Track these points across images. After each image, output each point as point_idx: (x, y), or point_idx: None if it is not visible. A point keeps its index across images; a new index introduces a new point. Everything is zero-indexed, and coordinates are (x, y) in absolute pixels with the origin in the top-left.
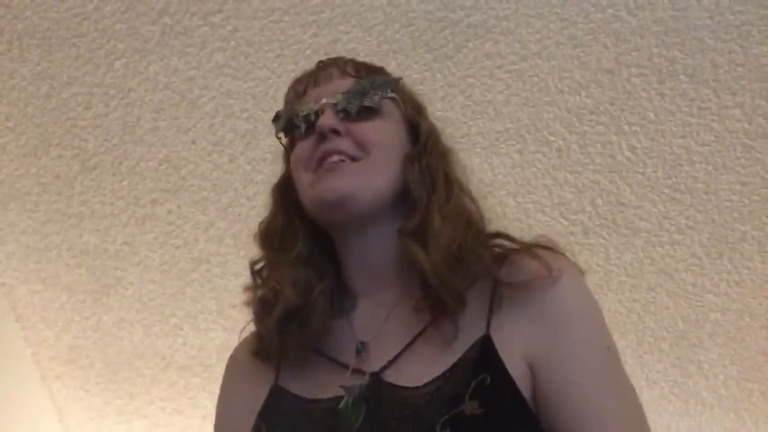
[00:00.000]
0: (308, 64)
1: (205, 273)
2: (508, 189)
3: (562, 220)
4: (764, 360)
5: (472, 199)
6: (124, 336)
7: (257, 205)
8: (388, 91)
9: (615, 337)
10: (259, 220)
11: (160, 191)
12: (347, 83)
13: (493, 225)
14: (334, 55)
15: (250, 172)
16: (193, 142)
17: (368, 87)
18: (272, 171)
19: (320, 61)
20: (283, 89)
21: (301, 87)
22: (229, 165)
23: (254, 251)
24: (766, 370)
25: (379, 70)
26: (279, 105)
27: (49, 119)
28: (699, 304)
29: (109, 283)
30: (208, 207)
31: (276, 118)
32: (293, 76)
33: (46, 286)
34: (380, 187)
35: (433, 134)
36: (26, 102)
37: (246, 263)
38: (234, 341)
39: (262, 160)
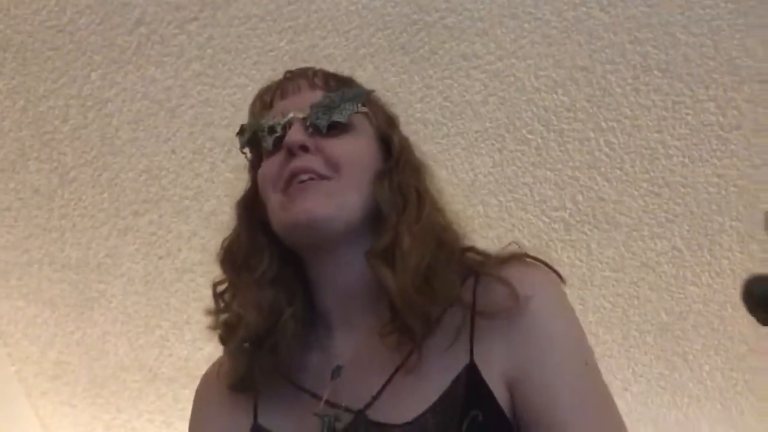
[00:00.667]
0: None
1: (189, 283)
2: (490, 188)
3: (543, 218)
4: (747, 350)
5: (445, 216)
6: (109, 349)
7: None
8: (359, 105)
9: (601, 332)
10: None
11: (142, 202)
12: (316, 96)
13: (476, 224)
14: (312, 61)
15: (232, 179)
16: (173, 152)
17: (338, 100)
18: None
19: (288, 72)
20: None
21: (267, 98)
22: (210, 173)
23: None
24: (749, 360)
25: (349, 82)
26: None
27: (26, 133)
28: (681, 296)
29: (93, 296)
30: (190, 216)
31: (241, 132)
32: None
33: (29, 302)
34: (352, 209)
35: (406, 148)
36: (2, 116)
37: None
38: (221, 351)
39: (244, 168)
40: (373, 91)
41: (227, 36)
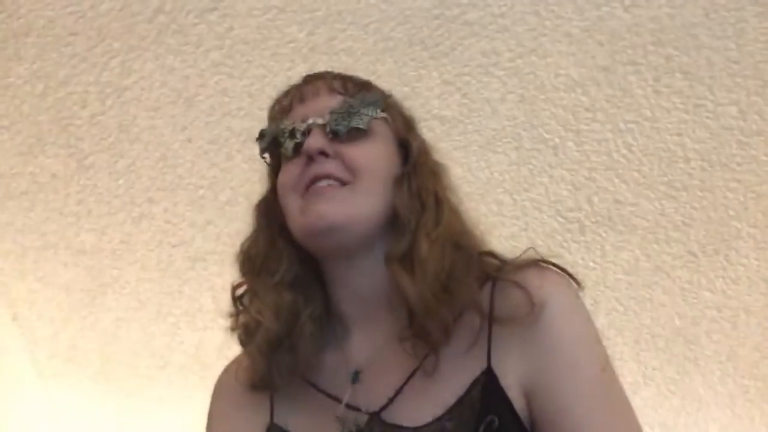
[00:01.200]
0: (304, 63)
1: (202, 271)
2: (505, 187)
3: (558, 218)
4: (760, 357)
5: (463, 220)
6: (121, 335)
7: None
8: (379, 110)
9: (612, 334)
10: None
11: (157, 190)
12: (335, 101)
13: (490, 222)
14: (331, 54)
15: (247, 170)
16: (190, 141)
17: (357, 106)
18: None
19: (307, 76)
20: (280, 87)
21: (286, 102)
22: (225, 163)
23: None
24: (762, 367)
25: (367, 86)
26: None
27: (45, 118)
28: (695, 301)
29: (106, 281)
30: (204, 205)
31: (261, 137)
32: (289, 74)
33: (44, 285)
34: (370, 214)
35: (424, 152)
36: (22, 100)
37: None
38: (232, 340)
39: (259, 159)
40: (390, 95)
41: (246, 26)
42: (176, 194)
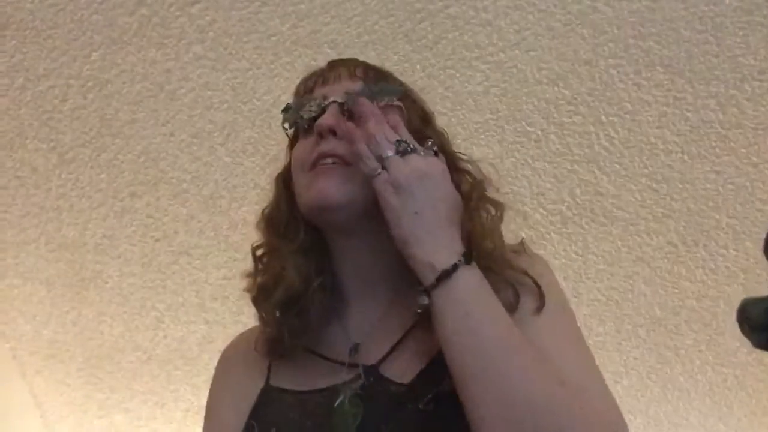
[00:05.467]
0: (288, 56)
1: (186, 266)
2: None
3: (541, 210)
4: (739, 346)
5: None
6: (104, 330)
7: (238, 197)
8: (395, 99)
9: (593, 324)
10: (239, 212)
11: (139, 184)
12: (355, 85)
13: None
14: (314, 47)
15: (230, 164)
16: (172, 134)
17: (375, 91)
18: (252, 162)
19: (331, 61)
20: (262, 81)
21: (310, 83)
22: (208, 157)
23: (235, 244)
24: (740, 356)
25: (387, 77)
26: (258, 96)
27: (25, 112)
28: (675, 291)
29: (89, 276)
30: (188, 199)
31: (286, 110)
32: (272, 67)
33: (25, 281)
34: (369, 194)
35: (439, 145)
36: (1, 94)
37: (227, 256)
38: (215, 333)
39: (242, 152)
40: (409, 88)
41: (229, 19)
42: (159, 188)
